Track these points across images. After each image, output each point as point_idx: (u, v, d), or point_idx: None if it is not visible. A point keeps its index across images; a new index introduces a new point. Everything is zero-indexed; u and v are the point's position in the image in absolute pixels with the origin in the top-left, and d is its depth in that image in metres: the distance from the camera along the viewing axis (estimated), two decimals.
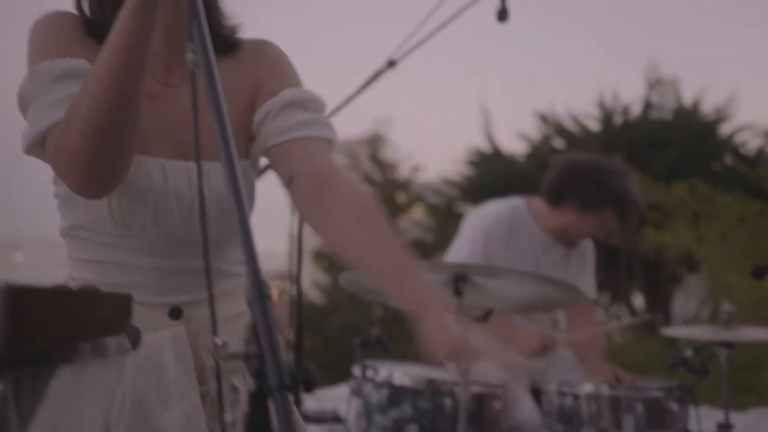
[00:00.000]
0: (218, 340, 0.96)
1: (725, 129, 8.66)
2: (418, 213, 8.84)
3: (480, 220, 2.79)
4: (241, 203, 0.92)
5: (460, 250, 2.74)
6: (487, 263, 2.56)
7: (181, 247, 1.25)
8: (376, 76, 2.39)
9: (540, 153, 9.15)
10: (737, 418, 2.96)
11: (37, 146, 1.16)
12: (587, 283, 2.85)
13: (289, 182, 1.34)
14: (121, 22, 1.10)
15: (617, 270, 7.79)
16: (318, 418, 2.84)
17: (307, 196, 1.26)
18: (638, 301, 8.54)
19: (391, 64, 2.44)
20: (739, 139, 8.67)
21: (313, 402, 2.93)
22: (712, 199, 4.88)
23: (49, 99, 1.15)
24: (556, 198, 2.72)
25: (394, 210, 7.76)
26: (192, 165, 1.22)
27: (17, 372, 0.76)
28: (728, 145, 8.59)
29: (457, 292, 2.02)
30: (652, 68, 8.92)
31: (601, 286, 8.75)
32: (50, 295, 0.80)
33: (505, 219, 2.75)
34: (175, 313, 1.25)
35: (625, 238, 2.89)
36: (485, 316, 2.06)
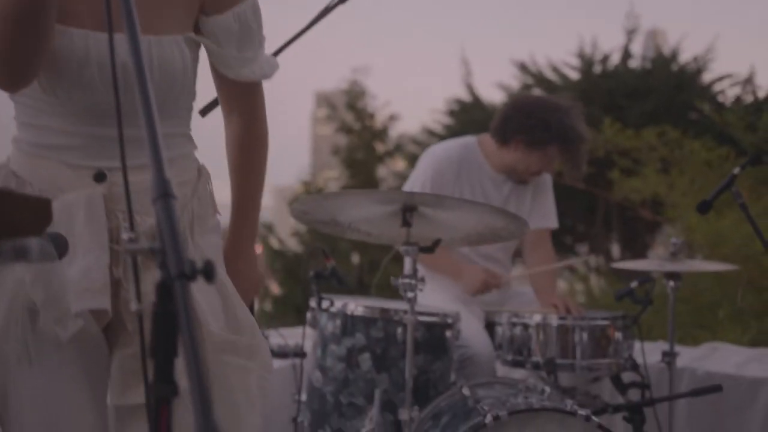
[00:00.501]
0: (130, 234, 1.02)
1: (704, 79, 8.70)
2: (400, 163, 8.87)
3: (431, 157, 2.84)
4: (144, 82, 0.96)
5: (411, 185, 2.81)
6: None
7: (107, 116, 1.30)
8: (326, 11, 2.38)
9: None
10: (689, 352, 3.07)
11: None
12: (545, 212, 2.90)
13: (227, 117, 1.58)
14: None
15: (595, 220, 7.89)
16: (282, 353, 2.91)
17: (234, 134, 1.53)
18: (616, 251, 8.66)
19: None
20: (717, 88, 8.73)
21: (277, 338, 3.01)
22: (681, 145, 4.93)
23: None
24: (504, 136, 2.77)
25: (373, 159, 7.79)
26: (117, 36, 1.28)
27: None
28: (706, 95, 8.64)
29: (406, 223, 2.08)
30: (632, 18, 8.91)
31: (580, 237, 8.88)
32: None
33: (456, 155, 2.80)
34: (100, 176, 1.34)
35: (571, 174, 2.90)
36: (433, 247, 2.12)
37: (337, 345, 2.34)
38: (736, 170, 2.40)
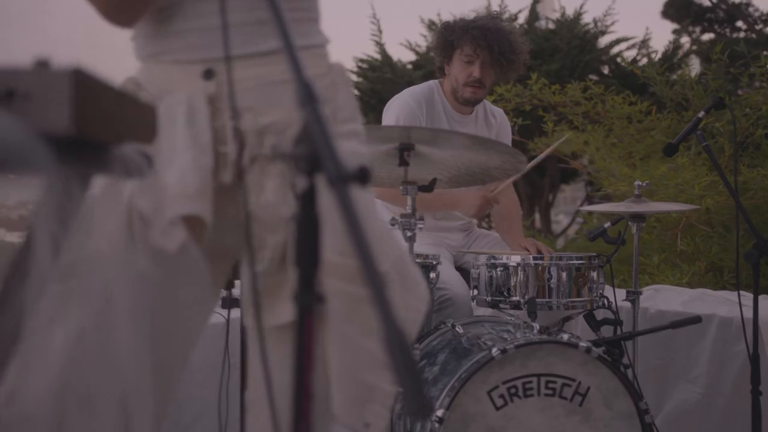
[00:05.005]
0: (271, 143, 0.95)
1: (604, 41, 9.06)
2: None
3: (399, 102, 2.83)
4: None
5: None
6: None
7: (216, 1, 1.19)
8: None
9: (427, 62, 9.25)
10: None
11: None
12: None
13: None
14: None
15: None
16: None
17: None
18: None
19: None
20: (615, 50, 9.11)
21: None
22: (603, 99, 5.11)
23: None
24: (440, 69, 2.82)
25: None
26: None
27: (73, 162, 0.72)
28: (607, 57, 9.01)
29: (404, 162, 2.06)
30: None
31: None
32: (112, 88, 0.76)
33: (423, 98, 2.80)
34: (208, 73, 1.23)
35: (505, 72, 2.76)
36: (431, 186, 2.11)
37: None
38: (701, 114, 2.51)
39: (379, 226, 1.30)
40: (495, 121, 2.91)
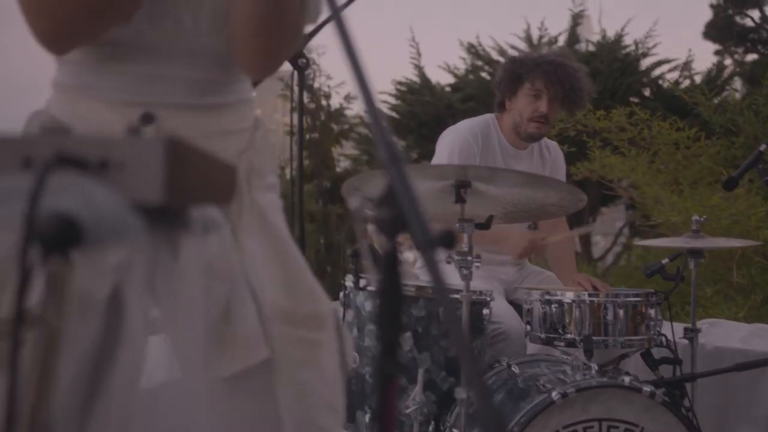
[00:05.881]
0: (356, 201, 0.93)
1: (646, 63, 8.96)
2: (347, 145, 8.77)
3: (455, 134, 2.80)
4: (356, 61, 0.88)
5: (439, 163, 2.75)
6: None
7: (156, 52, 1.22)
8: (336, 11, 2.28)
9: (467, 84, 9.23)
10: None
11: None
12: None
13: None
14: None
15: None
16: None
17: None
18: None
19: None
20: (657, 72, 9.01)
21: None
22: (649, 125, 5.04)
23: None
24: (501, 100, 2.80)
25: (330, 140, 7.67)
26: None
27: (161, 228, 0.71)
28: (649, 79, 8.91)
29: (460, 199, 2.03)
30: (578, 0, 9.08)
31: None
32: (199, 152, 0.74)
33: (478, 130, 2.77)
34: (147, 118, 1.23)
35: (569, 107, 2.78)
36: (488, 223, 2.08)
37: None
38: (762, 147, 2.45)
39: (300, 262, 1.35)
40: (549, 154, 2.87)
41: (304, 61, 2.36)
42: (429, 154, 9.03)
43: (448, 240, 0.82)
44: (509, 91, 2.75)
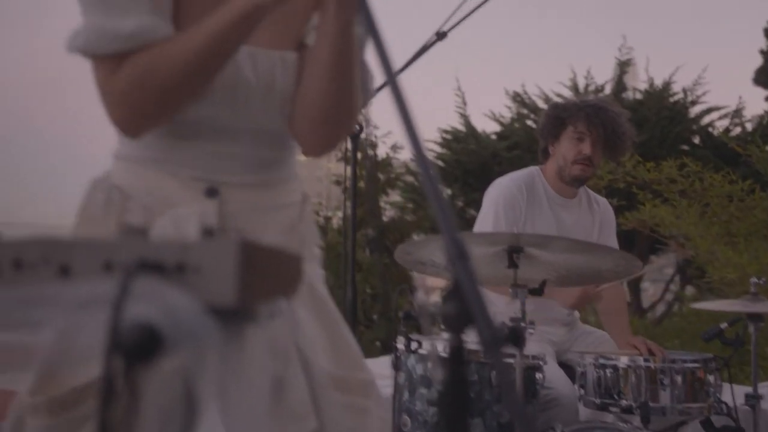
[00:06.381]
0: (421, 299, 0.94)
1: (694, 110, 8.85)
2: (394, 193, 8.80)
3: (499, 188, 2.81)
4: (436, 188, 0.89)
5: (486, 218, 2.75)
6: (514, 229, 2.57)
7: (224, 131, 1.26)
8: (424, 49, 2.34)
9: (512, 133, 9.24)
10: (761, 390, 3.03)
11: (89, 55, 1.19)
12: (611, 244, 2.88)
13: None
14: (226, 20, 1.14)
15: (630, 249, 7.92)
16: None
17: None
18: None
19: (440, 36, 2.41)
20: (706, 120, 8.89)
21: None
22: (701, 177, 4.97)
23: (124, 18, 1.16)
24: (543, 151, 2.81)
25: (378, 189, 7.73)
26: (256, 50, 1.26)
27: (231, 326, 0.73)
28: (698, 127, 8.80)
29: (513, 264, 2.03)
30: (624, 48, 9.07)
31: None
32: (268, 250, 0.76)
33: (523, 183, 2.78)
34: (211, 192, 1.26)
35: (613, 152, 2.78)
36: (541, 288, 2.06)
37: (428, 389, 2.26)
38: None
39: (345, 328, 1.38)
40: (599, 208, 2.86)
41: (358, 126, 2.39)
42: (474, 202, 9.05)
43: (515, 337, 0.82)
44: (552, 136, 2.78)
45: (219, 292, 0.70)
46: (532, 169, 2.88)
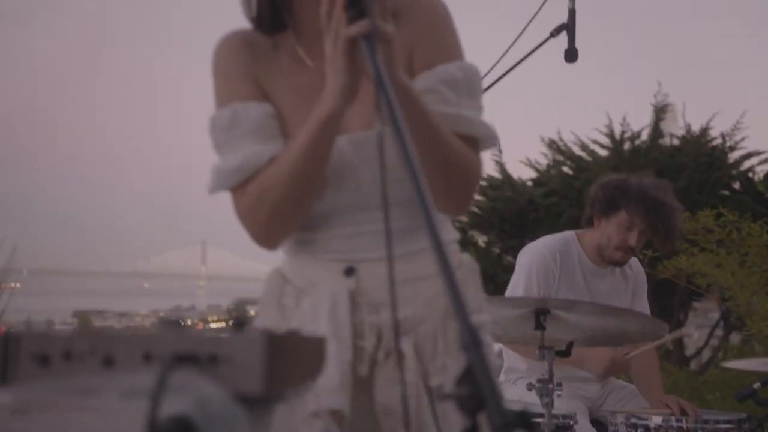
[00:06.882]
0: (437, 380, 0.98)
1: (733, 156, 8.76)
2: None
3: (532, 253, 2.84)
4: (430, 218, 0.96)
5: (518, 283, 2.78)
6: (546, 294, 2.61)
7: (358, 212, 1.37)
8: (538, 45, 2.36)
9: (548, 179, 9.24)
10: None
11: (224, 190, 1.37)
12: (642, 308, 2.89)
13: None
14: (311, 131, 1.26)
15: (667, 303, 7.79)
16: None
17: None
18: None
19: (554, 34, 2.41)
20: (746, 165, 8.79)
21: None
22: (738, 226, 4.93)
23: (232, 156, 1.33)
24: (589, 218, 2.82)
25: None
26: (353, 136, 1.36)
27: (259, 413, 0.79)
28: (737, 172, 8.70)
29: (540, 326, 2.06)
30: (660, 95, 9.05)
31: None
32: (294, 339, 0.83)
33: (557, 249, 2.80)
34: (349, 271, 1.36)
35: (662, 243, 2.80)
36: (568, 350, 2.09)
37: None
38: None
39: None
40: (631, 272, 2.87)
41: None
42: (511, 249, 9.01)
43: (525, 421, 0.87)
44: (603, 214, 2.77)
45: (247, 382, 0.76)
46: (567, 235, 2.89)
